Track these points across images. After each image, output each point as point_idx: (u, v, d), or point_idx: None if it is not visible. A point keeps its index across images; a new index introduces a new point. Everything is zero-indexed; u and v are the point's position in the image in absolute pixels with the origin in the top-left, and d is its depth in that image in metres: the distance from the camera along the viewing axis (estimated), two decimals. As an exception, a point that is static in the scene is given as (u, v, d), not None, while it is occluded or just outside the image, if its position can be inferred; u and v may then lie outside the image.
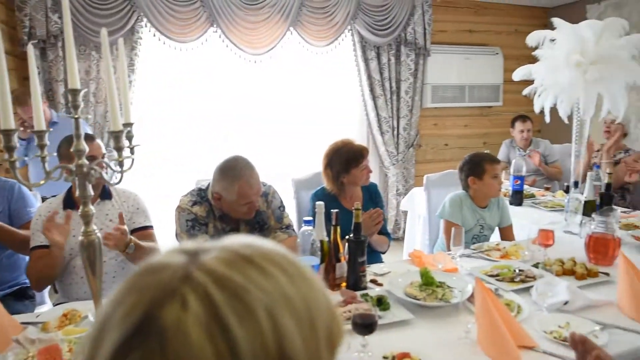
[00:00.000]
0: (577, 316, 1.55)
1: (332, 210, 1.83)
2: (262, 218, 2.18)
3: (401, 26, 4.61)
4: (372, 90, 4.64)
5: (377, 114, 4.71)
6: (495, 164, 2.50)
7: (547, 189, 3.65)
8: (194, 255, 0.44)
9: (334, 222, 1.82)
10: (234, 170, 1.97)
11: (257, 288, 0.42)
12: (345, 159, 2.36)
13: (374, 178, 4.79)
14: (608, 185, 2.63)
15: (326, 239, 1.87)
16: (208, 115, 4.26)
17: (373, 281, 1.89)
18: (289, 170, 3.67)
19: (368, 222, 2.18)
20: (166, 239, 2.72)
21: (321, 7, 4.30)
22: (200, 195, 2.09)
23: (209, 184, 2.08)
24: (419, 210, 3.42)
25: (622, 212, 2.89)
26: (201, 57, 4.10)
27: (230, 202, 1.98)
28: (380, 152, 4.85)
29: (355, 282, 1.79)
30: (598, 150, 3.68)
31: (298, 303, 0.43)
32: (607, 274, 1.89)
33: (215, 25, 3.97)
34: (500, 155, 4.29)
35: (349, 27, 4.45)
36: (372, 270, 1.99)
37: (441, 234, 2.59)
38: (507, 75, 4.93)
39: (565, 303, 1.60)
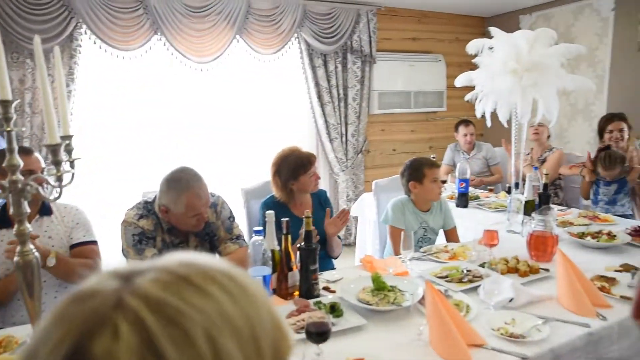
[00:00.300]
0: (521, 312, 1.62)
1: (282, 219, 1.82)
2: (212, 229, 2.14)
3: (347, 34, 4.67)
4: (320, 97, 4.67)
5: (326, 121, 4.74)
6: (435, 168, 2.56)
7: (490, 190, 3.80)
8: (128, 279, 0.42)
9: (284, 231, 1.81)
10: (181, 182, 1.92)
11: (195, 310, 0.40)
12: (293, 167, 2.36)
13: (324, 185, 4.85)
14: (545, 186, 2.77)
15: (277, 248, 1.85)
16: (155, 124, 4.13)
17: (325, 288, 1.89)
18: (238, 180, 3.63)
19: (337, 221, 2.30)
20: (112, 254, 2.62)
21: (267, 15, 4.29)
22: (146, 208, 2.02)
23: (155, 197, 2.02)
24: (369, 216, 3.47)
25: (559, 210, 3.05)
26: (147, 65, 3.97)
27: (178, 214, 1.93)
28: (329, 158, 4.88)
29: (308, 290, 1.78)
30: (528, 154, 3.87)
31: (240, 322, 0.42)
32: (547, 270, 1.98)
33: (159, 33, 3.87)
34: (446, 159, 4.44)
35: (295, 35, 4.47)
36: (324, 277, 1.99)
37: (389, 238, 2.64)
38: (450, 82, 5.10)
39: (511, 300, 1.66)
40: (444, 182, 3.98)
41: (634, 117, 4.10)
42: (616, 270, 1.97)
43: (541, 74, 2.56)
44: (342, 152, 4.87)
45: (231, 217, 2.21)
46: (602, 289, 1.77)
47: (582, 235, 2.41)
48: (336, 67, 4.72)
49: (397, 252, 2.40)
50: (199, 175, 1.98)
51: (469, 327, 1.46)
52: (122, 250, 2.00)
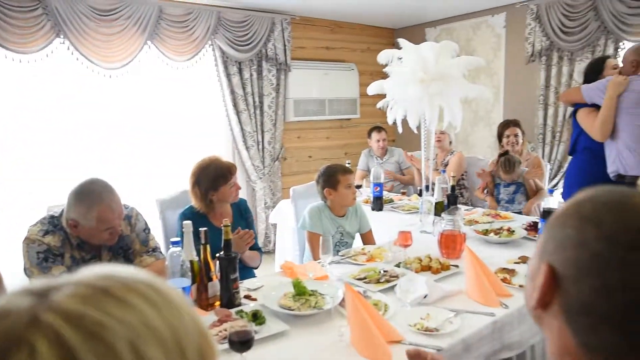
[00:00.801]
0: (435, 307, 1.71)
1: (200, 229, 1.78)
2: (126, 242, 2.04)
3: (262, 42, 4.68)
4: (235, 105, 4.63)
5: (242, 129, 4.71)
6: (348, 174, 2.61)
7: (403, 193, 3.98)
8: (43, 296, 0.40)
9: (203, 241, 1.77)
10: (92, 195, 1.82)
11: (117, 322, 0.39)
12: (213, 177, 2.31)
13: (242, 193, 4.81)
14: (453, 187, 2.95)
15: (196, 258, 1.81)
16: (63, 132, 3.85)
17: (247, 297, 1.87)
18: (153, 190, 3.50)
19: (239, 242, 2.20)
20: (14, 274, 2.41)
21: (180, 22, 4.19)
22: (52, 224, 1.89)
23: (62, 211, 1.89)
24: (287, 222, 3.49)
25: (465, 209, 3.27)
26: (49, 70, 3.69)
27: (89, 228, 1.83)
28: (246, 166, 4.85)
29: (229, 299, 1.76)
30: (433, 159, 4.13)
31: (164, 332, 0.41)
32: (457, 266, 2.11)
33: (62, 36, 3.62)
34: (360, 164, 4.58)
35: (209, 42, 4.40)
36: (245, 286, 1.98)
37: (307, 244, 2.67)
38: (362, 90, 5.30)
39: (425, 296, 1.75)
40: (359, 187, 4.11)
41: (526, 123, 4.50)
42: (515, 262, 2.16)
43: (446, 83, 2.73)
44: (259, 159, 4.86)
45: (146, 229, 2.12)
46: (504, 280, 1.93)
47: (486, 232, 2.60)
48: (251, 75, 4.71)
49: (316, 257, 2.43)
50: (111, 187, 1.89)
51: (388, 325, 1.53)
52: (25, 270, 1.85)
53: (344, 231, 2.67)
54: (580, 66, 4.20)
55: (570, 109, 4.17)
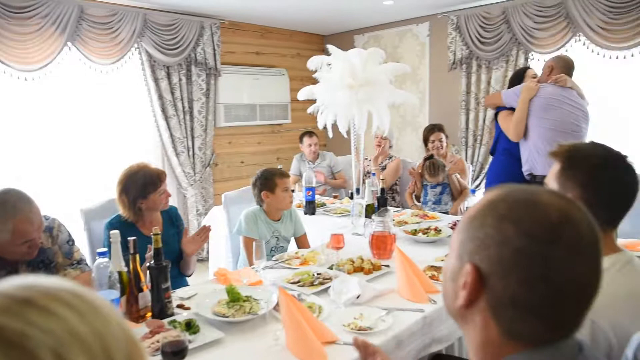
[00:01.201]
0: (368, 306, 1.76)
1: (129, 238, 1.72)
2: (47, 256, 1.93)
3: (190, 46, 4.59)
4: (164, 110, 4.50)
5: (171, 135, 4.59)
6: (285, 178, 2.66)
7: (335, 197, 4.05)
8: None
9: (132, 251, 1.71)
10: (6, 206, 1.71)
11: (40, 331, 0.38)
12: (142, 184, 2.24)
13: (172, 200, 4.67)
14: (382, 190, 3.05)
15: (125, 269, 1.75)
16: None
17: (180, 306, 1.83)
18: (78, 200, 3.33)
19: (197, 239, 2.30)
20: None
21: (103, 23, 4.00)
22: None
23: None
24: (220, 229, 3.44)
25: (395, 211, 3.38)
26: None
27: (4, 242, 1.71)
28: (176, 173, 4.72)
29: (161, 310, 1.71)
30: (367, 159, 4.25)
31: (90, 339, 0.41)
32: (388, 266, 2.18)
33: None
34: (293, 169, 4.61)
35: (135, 45, 4.25)
36: (177, 295, 1.93)
37: (242, 249, 2.66)
38: (293, 95, 5.29)
39: (358, 297, 1.80)
40: (292, 191, 4.14)
41: (450, 127, 4.74)
42: (442, 260, 2.26)
43: (374, 89, 2.83)
44: (189, 166, 4.76)
45: (70, 241, 2.02)
46: (432, 277, 2.02)
47: (414, 232, 2.71)
48: (180, 80, 4.60)
49: (251, 263, 2.42)
50: (27, 197, 1.78)
51: (322, 326, 1.55)
52: None
53: (280, 235, 2.68)
54: (497, 74, 4.50)
55: (490, 114, 4.46)
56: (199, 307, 1.71)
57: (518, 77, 3.31)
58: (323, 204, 3.69)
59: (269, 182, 2.61)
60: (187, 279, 2.50)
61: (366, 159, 4.20)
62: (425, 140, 4.00)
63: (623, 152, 1.23)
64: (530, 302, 0.63)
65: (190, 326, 1.58)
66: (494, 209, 0.68)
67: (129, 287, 1.71)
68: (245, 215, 2.62)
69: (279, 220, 2.70)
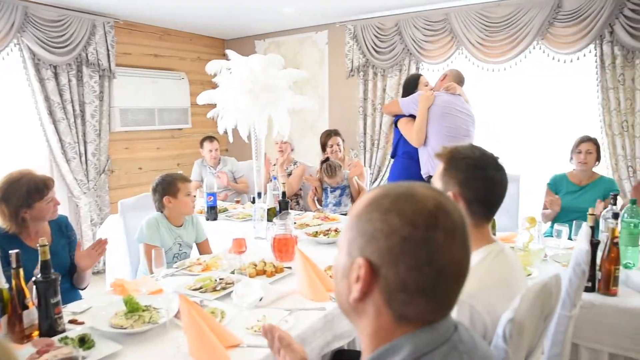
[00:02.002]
0: (271, 308, 1.80)
1: (10, 252, 1.59)
2: None
3: (81, 45, 4.32)
4: (51, 113, 4.18)
5: (60, 139, 4.27)
6: (187, 182, 2.64)
7: (237, 202, 4.03)
8: None
9: (14, 265, 1.59)
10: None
11: None
12: (26, 192, 2.07)
13: (63, 209, 4.35)
14: (284, 194, 3.11)
15: (6, 286, 1.61)
16: None
17: (72, 321, 1.73)
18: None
19: (92, 253, 2.17)
20: None
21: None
22: None
23: None
24: (117, 238, 3.27)
25: (296, 214, 3.45)
26: None
27: None
28: (67, 180, 4.41)
29: (50, 327, 1.60)
30: (274, 165, 4.30)
31: None
32: (290, 268, 2.23)
33: None
34: (194, 174, 4.52)
35: (15, 41, 3.91)
36: (69, 310, 1.82)
37: (142, 258, 2.57)
38: (193, 99, 5.19)
39: (261, 299, 1.83)
40: (193, 197, 4.06)
41: (349, 132, 4.94)
42: (342, 260, 2.36)
43: (274, 94, 2.87)
44: (82, 173, 4.46)
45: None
46: (332, 276, 2.10)
47: (316, 234, 2.79)
48: (70, 81, 4.31)
49: (152, 271, 2.35)
50: None
51: (225, 331, 1.56)
52: None
53: (182, 241, 2.63)
54: (392, 82, 4.76)
55: (387, 119, 4.71)
56: (94, 321, 1.63)
57: (412, 84, 3.51)
58: (225, 210, 3.66)
59: (171, 187, 2.56)
60: (81, 292, 2.36)
61: (274, 164, 4.25)
62: (324, 145, 4.12)
63: (495, 154, 1.39)
64: (419, 285, 0.71)
65: (84, 342, 1.50)
66: (379, 205, 0.75)
67: (10, 305, 1.58)
68: (146, 222, 2.54)
69: (181, 226, 2.65)
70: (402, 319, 0.74)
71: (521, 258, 2.30)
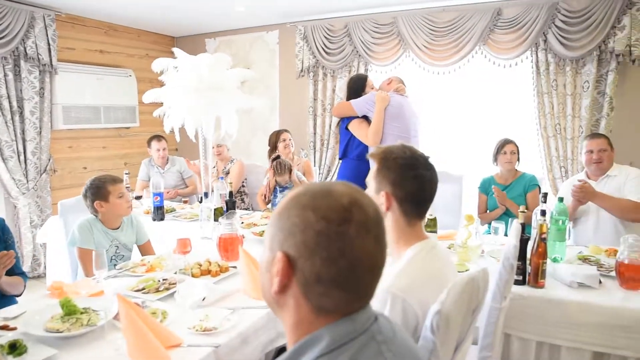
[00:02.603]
0: (214, 307, 1.80)
1: None
2: None
3: (18, 38, 4.13)
4: (-16, 109, 3.99)
5: (-4, 138, 4.09)
6: (118, 184, 2.53)
7: (185, 202, 3.99)
8: None
9: None
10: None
11: None
12: None
13: (0, 212, 4.17)
14: (230, 193, 3.11)
15: None
16: None
17: (3, 327, 1.67)
18: None
19: None
20: None
21: None
22: None
23: None
24: (58, 241, 3.17)
25: (245, 214, 3.45)
26: None
27: None
28: (4, 180, 4.21)
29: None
30: (214, 167, 4.28)
31: None
32: (235, 267, 2.24)
33: None
34: (141, 174, 4.43)
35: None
36: (1, 315, 1.76)
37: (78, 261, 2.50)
38: (141, 97, 5.09)
39: (204, 299, 1.83)
40: (140, 197, 3.98)
41: (299, 132, 4.98)
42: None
43: (221, 93, 2.86)
44: (20, 172, 4.27)
45: None
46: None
47: (262, 234, 2.81)
48: (6, 76, 4.12)
49: (89, 274, 2.29)
50: None
51: (166, 331, 1.55)
52: None
53: (120, 244, 2.57)
54: (341, 82, 4.84)
55: (335, 119, 4.76)
56: (28, 326, 1.59)
57: (359, 85, 3.56)
58: (173, 210, 3.61)
59: (100, 190, 2.47)
60: (17, 298, 2.27)
61: (213, 167, 4.22)
62: (274, 144, 4.13)
63: (425, 154, 1.46)
64: (333, 276, 0.75)
65: (15, 348, 1.45)
66: (298, 202, 0.79)
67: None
68: (78, 226, 2.46)
69: (118, 228, 2.58)
70: (321, 311, 0.78)
71: (460, 254, 2.41)
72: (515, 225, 1.95)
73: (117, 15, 4.86)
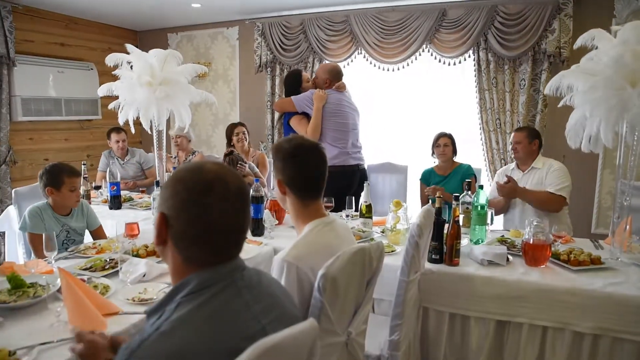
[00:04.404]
0: (153, 283, 1.98)
1: None
2: None
3: (-25, 31, 4.19)
4: (-57, 101, 4.04)
5: (-46, 129, 4.14)
6: (75, 177, 2.60)
7: (143, 191, 4.12)
8: None
9: None
10: None
11: None
12: None
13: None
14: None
15: None
16: None
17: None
18: None
19: None
20: None
21: None
22: None
23: None
24: (15, 228, 3.28)
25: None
26: None
27: None
28: (-37, 171, 4.28)
29: None
30: (175, 157, 4.43)
31: None
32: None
33: None
34: (101, 165, 4.54)
35: None
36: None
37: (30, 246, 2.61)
38: (103, 90, 5.18)
39: (144, 275, 2.01)
40: (99, 187, 4.10)
41: (258, 126, 5.15)
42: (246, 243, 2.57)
43: (172, 88, 3.02)
44: (-21, 163, 4.34)
45: None
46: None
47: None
48: (-37, 68, 4.17)
49: (40, 257, 2.42)
50: None
51: (105, 301, 1.73)
52: None
53: (70, 229, 2.68)
54: (298, 78, 5.01)
55: (277, 114, 4.94)
56: (-23, 299, 1.73)
57: (296, 81, 3.73)
58: (130, 199, 3.75)
59: (55, 178, 2.53)
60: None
61: (171, 156, 4.37)
62: (229, 137, 4.27)
63: (316, 142, 1.66)
64: (194, 234, 0.97)
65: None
66: (176, 175, 1.02)
67: None
68: (29, 212, 2.56)
69: (68, 214, 2.68)
70: (188, 261, 0.99)
71: (390, 237, 2.64)
72: (424, 209, 2.15)
73: (78, 8, 4.92)
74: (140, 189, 4.27)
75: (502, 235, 2.80)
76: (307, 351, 0.99)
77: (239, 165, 3.84)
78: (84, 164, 3.65)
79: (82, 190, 3.56)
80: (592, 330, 2.00)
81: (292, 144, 1.61)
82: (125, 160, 4.50)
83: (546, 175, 3.08)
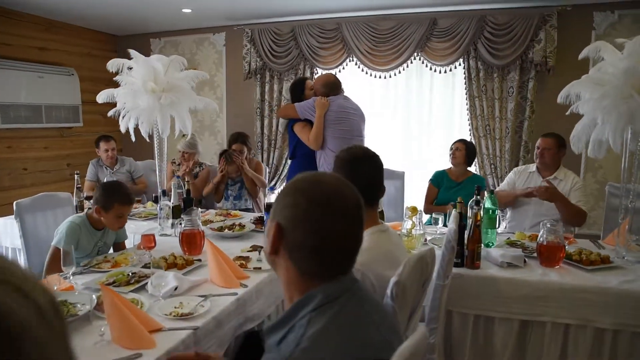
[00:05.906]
0: (186, 296, 1.93)
1: None
2: None
3: (-50, 35, 3.98)
4: None
5: None
6: (126, 206, 2.50)
7: (138, 201, 4.00)
8: None
9: None
10: None
11: None
12: None
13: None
14: (188, 191, 3.21)
15: None
16: None
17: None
18: None
19: None
20: None
21: None
22: None
23: None
24: (11, 242, 3.12)
25: (200, 212, 3.55)
26: None
27: None
28: (-62, 182, 4.04)
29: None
30: (178, 163, 4.31)
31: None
32: (199, 260, 2.36)
33: None
34: (89, 175, 4.37)
35: None
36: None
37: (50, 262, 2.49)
38: (85, 96, 5.01)
39: (176, 288, 1.95)
40: (90, 197, 3.95)
41: (247, 132, 5.09)
42: (248, 251, 2.55)
43: (176, 94, 2.95)
44: (-44, 174, 4.11)
45: None
46: (241, 265, 2.28)
47: (221, 229, 2.94)
48: (-60, 74, 3.95)
49: (52, 272, 2.31)
50: None
51: (147, 317, 1.67)
52: None
53: (103, 243, 2.60)
54: (288, 84, 5.00)
55: (282, 121, 4.93)
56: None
57: (299, 88, 3.74)
58: (127, 209, 3.63)
59: (107, 201, 2.43)
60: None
61: (174, 162, 4.26)
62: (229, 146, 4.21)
63: (373, 151, 1.70)
64: (310, 246, 0.96)
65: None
66: (295, 185, 1.01)
67: None
68: (68, 228, 2.44)
69: (102, 228, 2.59)
70: (305, 274, 0.98)
71: (406, 242, 2.67)
72: (454, 214, 2.22)
73: (58, 11, 4.74)
74: (136, 198, 4.13)
75: (509, 238, 2.89)
76: (420, 358, 1.01)
77: (234, 155, 3.82)
78: (77, 174, 3.52)
79: (74, 201, 3.46)
80: (612, 326, 2.09)
81: (358, 151, 1.63)
82: (114, 169, 4.35)
83: (570, 190, 3.13)
